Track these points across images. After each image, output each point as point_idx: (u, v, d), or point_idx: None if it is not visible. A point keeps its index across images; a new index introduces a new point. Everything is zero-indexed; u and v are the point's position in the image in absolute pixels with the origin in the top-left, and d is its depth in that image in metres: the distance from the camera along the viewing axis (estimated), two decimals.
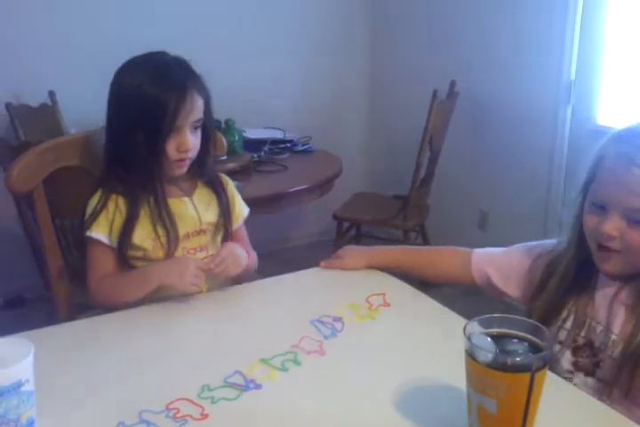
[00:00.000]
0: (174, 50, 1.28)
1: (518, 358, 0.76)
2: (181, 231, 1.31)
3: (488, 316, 0.82)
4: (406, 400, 0.92)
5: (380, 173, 3.52)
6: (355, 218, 2.90)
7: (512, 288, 1.23)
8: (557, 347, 1.10)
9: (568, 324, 1.09)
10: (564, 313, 1.10)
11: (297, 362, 1.03)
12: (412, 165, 2.73)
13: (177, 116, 1.20)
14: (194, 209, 1.33)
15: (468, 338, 0.78)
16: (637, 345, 1.00)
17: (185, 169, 1.28)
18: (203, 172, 1.35)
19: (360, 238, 2.98)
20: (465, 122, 2.87)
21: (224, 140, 1.72)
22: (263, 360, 1.03)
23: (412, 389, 0.95)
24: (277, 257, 1.37)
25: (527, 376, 0.74)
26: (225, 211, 1.38)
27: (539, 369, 0.75)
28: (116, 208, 1.27)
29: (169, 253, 1.29)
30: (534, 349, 0.78)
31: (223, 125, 2.55)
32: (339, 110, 3.45)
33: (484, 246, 1.32)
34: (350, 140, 3.48)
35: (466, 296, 1.97)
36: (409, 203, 2.68)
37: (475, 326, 0.81)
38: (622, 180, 0.98)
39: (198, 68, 1.28)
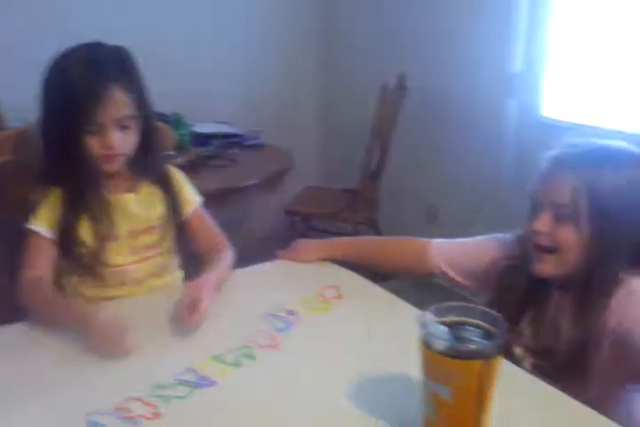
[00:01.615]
0: (123, 43, 1.24)
1: (471, 346, 0.76)
2: (126, 229, 1.27)
3: (442, 304, 0.82)
4: (362, 391, 0.92)
5: (330, 167, 3.52)
6: (305, 212, 2.89)
7: (469, 280, 1.25)
8: (519, 350, 1.12)
9: (527, 331, 1.12)
10: (525, 320, 1.12)
11: (251, 357, 1.02)
12: (361, 159, 2.74)
13: (95, 111, 1.15)
14: (139, 206, 1.29)
15: (423, 326, 0.78)
16: (580, 352, 1.03)
17: (116, 166, 1.24)
18: (146, 168, 1.30)
19: (311, 232, 2.97)
20: (414, 115, 2.89)
21: (172, 135, 1.69)
22: (216, 356, 1.01)
23: (367, 379, 0.95)
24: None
25: (481, 363, 0.74)
26: (173, 205, 1.34)
27: (492, 356, 0.75)
28: (57, 202, 1.22)
29: (104, 251, 1.25)
30: (488, 336, 0.78)
31: (171, 120, 2.51)
32: (289, 104, 3.43)
33: (433, 238, 1.32)
34: (300, 134, 3.46)
35: (418, 288, 1.99)
36: (358, 196, 2.68)
37: (429, 315, 0.81)
38: (552, 178, 1.05)
39: (146, 62, 1.24)
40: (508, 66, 2.53)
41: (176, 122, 2.53)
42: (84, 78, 1.16)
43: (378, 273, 1.42)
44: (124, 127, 1.20)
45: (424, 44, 2.86)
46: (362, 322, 1.12)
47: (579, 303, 1.05)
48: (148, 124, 1.25)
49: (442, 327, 0.78)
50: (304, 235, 2.89)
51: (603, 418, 0.88)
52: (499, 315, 0.79)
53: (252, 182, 2.38)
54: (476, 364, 0.74)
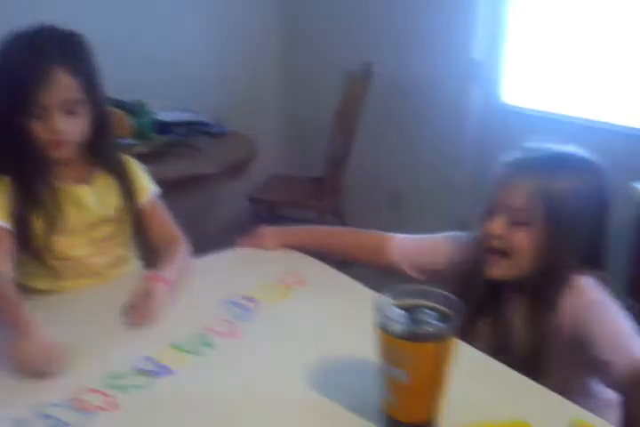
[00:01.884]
0: (88, 31, 1.21)
1: (427, 328, 0.76)
2: (81, 222, 1.24)
3: (399, 287, 0.82)
4: (322, 377, 0.92)
5: (295, 155, 3.51)
6: (270, 200, 2.87)
7: (426, 277, 1.25)
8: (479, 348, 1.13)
9: (485, 331, 1.13)
10: (481, 321, 1.14)
11: (210, 345, 1.01)
12: (326, 146, 2.73)
13: (37, 93, 1.12)
14: (94, 198, 1.26)
15: (379, 310, 0.78)
16: (535, 352, 1.05)
17: (65, 152, 1.20)
18: (98, 156, 1.27)
19: (276, 221, 2.95)
20: (378, 101, 2.88)
21: (128, 122, 1.65)
22: (174, 345, 1.00)
23: (326, 365, 0.95)
24: (192, 242, 1.32)
25: (436, 345, 0.75)
26: (128, 194, 1.31)
27: (447, 338, 0.75)
28: (8, 191, 1.19)
29: (59, 244, 1.22)
30: (444, 318, 0.78)
31: (131, 107, 2.46)
32: (253, 92, 3.39)
33: (398, 226, 1.33)
34: (265, 121, 3.43)
35: (382, 275, 1.99)
36: (324, 184, 2.67)
37: (386, 298, 0.81)
38: (508, 183, 1.07)
39: (107, 49, 1.21)
40: (470, 53, 2.54)
41: (137, 109, 2.49)
42: (26, 60, 1.12)
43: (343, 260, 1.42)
44: (70, 112, 1.16)
45: (387, 30, 2.85)
46: (322, 308, 1.12)
47: (531, 305, 1.08)
48: (100, 110, 1.22)
49: (398, 311, 0.78)
50: (269, 223, 2.87)
51: (558, 397, 0.90)
52: (455, 297, 0.79)
53: (215, 170, 2.35)
54: (431, 346, 0.75)
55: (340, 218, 2.87)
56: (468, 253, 1.16)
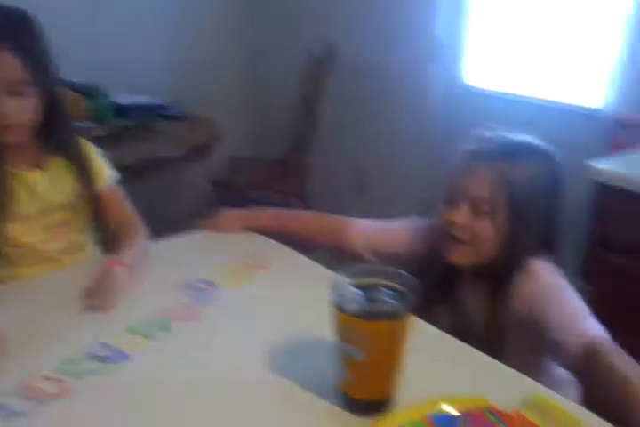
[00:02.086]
0: (40, 11, 1.16)
1: (382, 306, 0.76)
2: (35, 208, 1.21)
3: (355, 267, 0.82)
4: (282, 359, 0.91)
5: (259, 137, 3.47)
6: (234, 183, 2.84)
7: (386, 262, 1.24)
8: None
9: (443, 316, 1.14)
10: (440, 306, 1.15)
11: (167, 329, 0.99)
12: (290, 129, 2.71)
13: None
14: (47, 184, 1.22)
15: (334, 289, 0.77)
16: (494, 337, 1.07)
17: (12, 136, 1.16)
18: (52, 140, 1.23)
19: (240, 204, 2.93)
20: (341, 83, 2.87)
21: (83, 104, 1.61)
22: (130, 329, 0.98)
23: (285, 347, 0.94)
24: (154, 227, 1.30)
25: (391, 323, 0.75)
26: (84, 179, 1.28)
27: (403, 316, 0.75)
28: None
29: (12, 231, 1.19)
30: (400, 297, 0.78)
31: (87, 90, 2.40)
32: (214, 74, 3.34)
33: (363, 207, 1.33)
34: (227, 104, 3.39)
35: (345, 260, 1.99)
36: (289, 166, 2.66)
37: (342, 278, 0.80)
38: (470, 172, 1.07)
39: (62, 30, 1.16)
40: (432, 33, 2.53)
41: (93, 92, 2.43)
42: None
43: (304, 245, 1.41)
44: (16, 93, 1.12)
45: (350, 11, 2.83)
46: (283, 291, 1.11)
47: (489, 289, 1.09)
48: (50, 91, 1.18)
49: (353, 289, 0.78)
50: (233, 206, 2.85)
51: (516, 373, 0.91)
52: (409, 275, 0.79)
53: (176, 154, 2.32)
54: (386, 324, 0.75)
55: (304, 200, 2.86)
56: (426, 239, 1.17)
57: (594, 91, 2.15)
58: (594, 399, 0.91)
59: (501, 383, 0.88)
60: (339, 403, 0.82)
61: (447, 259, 1.11)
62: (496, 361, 0.93)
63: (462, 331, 1.11)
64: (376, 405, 0.80)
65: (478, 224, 1.06)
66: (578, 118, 2.13)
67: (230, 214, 1.37)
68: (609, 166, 1.67)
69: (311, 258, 1.23)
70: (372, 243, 1.26)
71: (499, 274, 1.07)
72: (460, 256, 1.10)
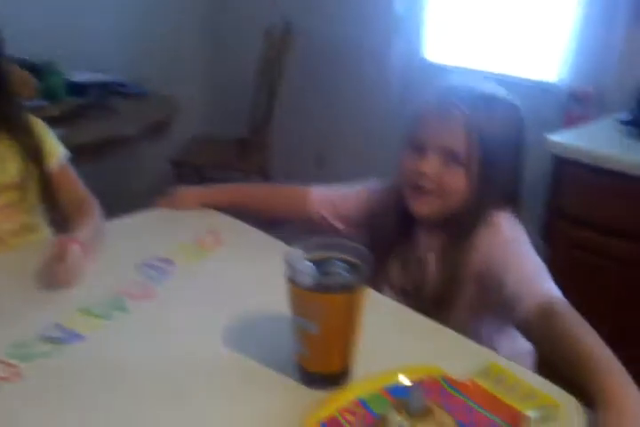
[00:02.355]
0: None
1: (335, 279, 0.76)
2: None
3: (309, 241, 0.81)
4: (238, 335, 0.91)
5: (219, 116, 3.42)
6: (194, 162, 2.80)
7: (347, 226, 1.24)
8: (389, 291, 1.14)
9: (397, 270, 1.13)
10: (392, 262, 1.13)
11: (123, 309, 0.97)
12: (250, 107, 2.67)
13: None
14: None
15: (288, 263, 0.77)
16: (444, 289, 1.06)
17: None
18: None
19: (201, 183, 2.89)
20: (300, 60, 2.83)
21: (33, 82, 1.56)
22: (84, 309, 0.96)
23: (242, 323, 0.94)
24: (114, 208, 1.27)
25: (344, 296, 0.74)
26: (34, 159, 1.24)
27: (357, 288, 0.75)
28: None
29: None
30: (354, 269, 0.78)
31: (40, 67, 2.33)
32: (172, 51, 3.26)
33: (326, 185, 1.31)
34: (186, 82, 3.32)
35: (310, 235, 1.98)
36: (249, 144, 2.63)
37: (296, 252, 0.80)
38: (441, 122, 1.02)
39: (13, 6, 1.10)
40: (391, 8, 2.51)
41: (46, 69, 2.35)
42: None
43: (268, 221, 1.40)
44: None
45: None
46: (239, 266, 1.10)
47: (447, 242, 1.07)
48: None
49: (307, 263, 0.77)
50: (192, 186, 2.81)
51: (471, 342, 0.92)
52: (364, 248, 0.79)
53: (133, 132, 2.27)
54: (339, 297, 0.74)
55: (266, 179, 2.84)
56: (384, 195, 1.15)
57: (549, 65, 2.17)
58: (546, 359, 0.90)
59: (456, 353, 0.89)
60: (296, 377, 0.82)
61: (411, 210, 1.07)
62: (451, 331, 0.94)
63: (414, 288, 1.11)
64: (332, 378, 0.80)
65: (447, 175, 1.03)
66: (534, 92, 2.14)
67: (186, 191, 1.34)
68: (565, 139, 1.69)
69: (278, 236, 1.22)
70: (333, 205, 1.24)
71: (460, 226, 1.05)
72: (425, 206, 1.06)
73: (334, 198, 1.25)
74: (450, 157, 1.02)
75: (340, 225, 1.24)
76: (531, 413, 0.74)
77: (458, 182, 1.03)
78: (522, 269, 0.97)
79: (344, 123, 2.81)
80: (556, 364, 0.85)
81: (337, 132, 2.86)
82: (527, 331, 0.95)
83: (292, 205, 1.29)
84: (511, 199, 1.08)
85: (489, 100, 1.03)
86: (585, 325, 0.87)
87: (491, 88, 1.06)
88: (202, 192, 1.35)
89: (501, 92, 1.07)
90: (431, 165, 1.03)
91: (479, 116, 1.01)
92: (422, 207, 1.06)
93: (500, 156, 1.03)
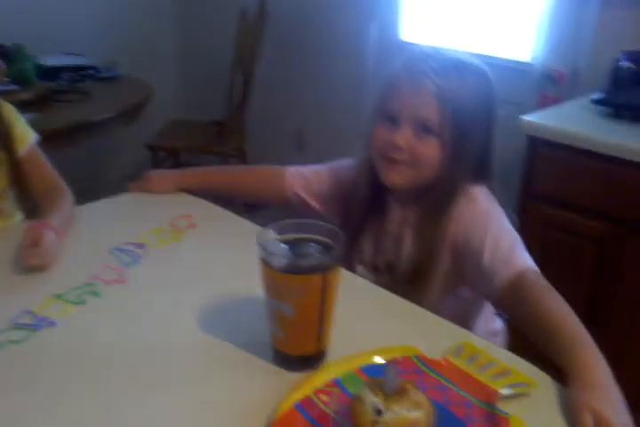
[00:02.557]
0: None
1: (308, 260, 0.75)
2: None
3: (282, 222, 0.81)
4: (212, 317, 0.90)
5: (195, 99, 3.38)
6: (170, 146, 2.77)
7: (323, 205, 1.23)
8: (361, 268, 1.14)
9: (370, 248, 1.12)
10: (365, 238, 1.12)
11: (95, 293, 0.96)
12: (226, 89, 2.64)
13: None
14: None
15: (262, 245, 0.76)
16: (419, 263, 1.05)
17: None
18: None
19: (177, 167, 2.87)
20: (276, 41, 2.80)
21: (3, 66, 1.53)
22: (56, 295, 0.95)
23: (216, 305, 0.93)
24: (91, 193, 1.25)
25: (319, 277, 0.74)
26: (3, 143, 1.21)
27: (330, 268, 0.75)
28: None
29: None
30: (327, 250, 0.77)
31: (12, 51, 2.28)
32: (146, 34, 3.21)
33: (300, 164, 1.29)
34: (161, 65, 3.28)
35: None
36: (226, 127, 2.60)
37: (269, 233, 0.79)
38: (414, 92, 1.00)
39: None
40: None
41: (16, 53, 2.31)
42: None
43: (247, 205, 1.39)
44: None
45: None
46: (213, 250, 1.09)
47: (423, 215, 1.06)
48: None
49: (280, 245, 0.77)
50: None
51: (445, 321, 0.92)
52: (336, 228, 0.78)
53: (107, 116, 2.25)
54: (314, 278, 0.74)
55: (244, 162, 2.82)
56: (357, 168, 1.13)
57: (525, 46, 2.17)
58: (520, 332, 0.90)
59: (431, 333, 0.89)
60: (271, 360, 0.81)
61: (384, 181, 1.06)
62: (426, 311, 0.94)
63: (387, 264, 1.10)
64: (308, 360, 0.80)
65: (421, 145, 1.01)
66: (510, 73, 2.15)
67: (158, 175, 1.32)
68: (539, 119, 1.69)
69: (253, 220, 1.21)
70: (308, 185, 1.22)
71: (435, 197, 1.04)
72: (398, 177, 1.04)
73: (309, 177, 1.24)
74: (423, 127, 1.00)
75: (315, 204, 1.23)
76: (504, 390, 0.75)
77: (431, 153, 1.01)
78: (498, 244, 0.97)
79: (321, 105, 2.79)
80: (529, 336, 0.86)
81: (315, 114, 2.84)
82: (500, 303, 0.96)
83: (267, 185, 1.27)
84: (483, 172, 1.07)
85: (460, 68, 1.01)
86: (556, 296, 0.87)
87: (461, 55, 1.04)
88: (175, 175, 1.33)
89: (471, 58, 1.04)
90: (404, 137, 1.01)
91: (451, 85, 0.99)
92: (395, 178, 1.05)
93: (473, 124, 1.01)
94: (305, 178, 1.24)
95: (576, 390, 0.74)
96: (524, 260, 0.95)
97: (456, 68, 1.01)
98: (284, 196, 1.25)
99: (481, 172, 1.07)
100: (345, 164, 1.21)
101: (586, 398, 0.72)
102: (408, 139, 1.01)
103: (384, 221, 1.12)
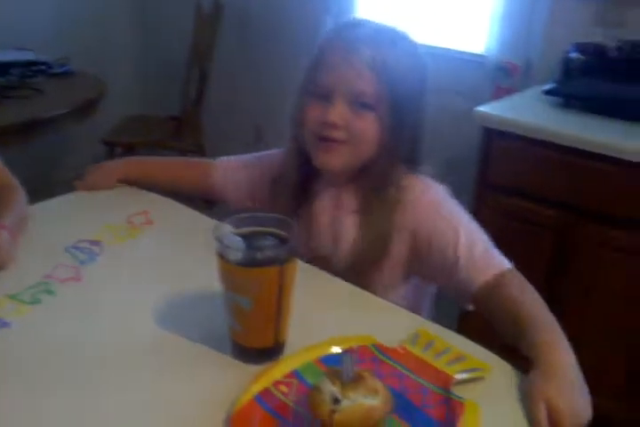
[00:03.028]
0: None
1: (264, 253, 0.75)
2: None
3: (237, 215, 0.81)
4: (170, 314, 0.90)
5: (152, 94, 3.34)
6: (126, 142, 2.73)
7: (249, 202, 1.18)
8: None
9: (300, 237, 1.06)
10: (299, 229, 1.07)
11: (50, 292, 0.95)
12: (183, 85, 2.61)
13: None
14: None
15: (218, 239, 0.76)
16: (366, 250, 1.01)
17: None
18: None
19: None
20: (233, 36, 2.78)
21: None
22: (10, 296, 0.93)
23: (174, 302, 0.92)
24: (45, 191, 1.22)
25: (276, 269, 0.74)
26: None
27: (286, 261, 0.75)
28: None
29: None
30: (283, 243, 0.78)
31: None
32: (101, 29, 3.15)
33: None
34: (118, 60, 3.22)
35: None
36: (183, 122, 2.58)
37: (225, 227, 0.79)
38: (347, 63, 0.94)
39: None
40: None
41: None
42: None
43: (207, 201, 1.37)
44: None
45: None
46: (170, 244, 1.08)
47: (365, 198, 1.01)
48: None
49: (236, 238, 0.77)
50: None
51: (401, 310, 0.94)
52: (290, 219, 0.79)
53: (60, 112, 2.20)
54: (269, 270, 0.74)
55: (202, 157, 2.80)
56: (285, 154, 1.08)
57: (478, 39, 2.20)
58: (498, 334, 0.88)
59: (388, 321, 0.90)
60: (231, 353, 0.81)
61: (319, 164, 1.00)
62: (382, 300, 0.95)
63: (324, 255, 1.05)
64: (267, 352, 0.81)
65: (357, 121, 0.95)
66: (465, 65, 2.18)
67: (98, 168, 1.28)
68: (491, 110, 1.72)
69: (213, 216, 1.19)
70: (237, 178, 1.19)
71: (375, 178, 0.99)
72: (335, 159, 0.98)
73: (239, 169, 1.20)
74: (358, 102, 0.95)
75: (240, 198, 1.19)
76: (459, 375, 0.76)
77: (369, 128, 0.96)
78: (472, 251, 0.94)
79: (280, 98, 2.77)
80: (499, 332, 0.86)
81: (272, 109, 2.83)
82: (481, 309, 0.94)
83: (196, 179, 1.24)
84: (415, 154, 1.03)
85: (392, 36, 0.97)
86: (530, 290, 0.88)
87: (392, 25, 1.00)
88: (111, 167, 1.30)
89: (402, 28, 1.00)
90: (339, 113, 0.94)
91: (385, 54, 0.94)
92: (332, 160, 0.98)
93: (409, 96, 0.96)
94: (233, 170, 1.20)
95: (534, 376, 0.75)
96: (498, 262, 0.94)
97: (388, 36, 0.97)
98: (213, 190, 1.21)
99: (414, 154, 1.03)
100: (275, 152, 1.17)
101: (542, 386, 0.72)
102: (343, 115, 0.95)
103: (314, 208, 1.07)
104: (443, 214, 0.99)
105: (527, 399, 0.73)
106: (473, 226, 0.99)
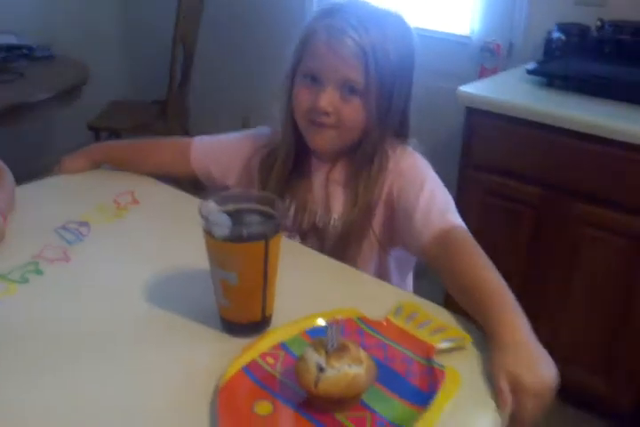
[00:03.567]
0: None
1: (249, 229, 0.77)
2: None
3: (223, 193, 0.82)
4: (158, 291, 0.91)
5: (137, 79, 3.32)
6: (112, 126, 2.72)
7: (232, 180, 1.19)
8: (286, 234, 1.10)
9: (291, 211, 1.09)
10: (287, 202, 1.08)
11: (38, 272, 0.96)
12: (168, 70, 2.60)
13: None
14: None
15: (204, 216, 0.77)
16: (353, 220, 1.03)
17: None
18: None
19: None
20: (217, 20, 2.77)
21: None
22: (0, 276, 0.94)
23: (162, 279, 0.94)
24: (33, 177, 1.23)
25: (260, 244, 0.76)
26: None
27: (271, 236, 0.77)
28: None
29: None
30: (267, 218, 0.79)
31: None
32: (85, 12, 3.12)
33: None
34: (103, 44, 3.19)
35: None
36: (168, 107, 2.57)
37: (211, 205, 0.80)
38: (337, 50, 0.95)
39: None
40: None
41: None
42: None
43: (197, 185, 1.38)
44: None
45: None
46: (157, 225, 1.10)
47: (352, 170, 1.04)
48: None
49: (222, 215, 0.78)
50: None
51: (383, 282, 0.96)
52: (274, 196, 0.80)
53: (44, 96, 2.19)
54: (257, 246, 0.75)
55: None
56: (283, 128, 1.08)
57: (462, 19, 2.21)
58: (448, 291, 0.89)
59: (372, 295, 0.92)
60: (219, 328, 0.83)
61: (310, 145, 1.04)
62: (367, 275, 0.97)
63: (313, 227, 1.07)
64: (254, 326, 0.82)
65: (347, 107, 0.98)
66: (450, 46, 2.19)
67: (69, 157, 1.28)
68: (475, 90, 1.74)
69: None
70: (217, 157, 1.19)
71: (363, 153, 1.02)
72: (324, 141, 1.02)
73: (217, 148, 1.20)
74: (347, 88, 0.97)
75: (226, 179, 1.19)
76: (440, 344, 0.78)
77: (356, 114, 0.99)
78: (433, 200, 0.97)
79: (266, 83, 2.78)
80: (452, 294, 0.87)
81: (259, 94, 2.81)
82: (426, 257, 0.95)
83: (173, 158, 1.23)
84: (404, 127, 1.06)
85: (379, 19, 0.98)
86: (481, 253, 0.88)
87: (383, 7, 1.00)
88: (84, 152, 1.29)
89: (395, 9, 1.01)
90: (330, 100, 0.97)
91: (372, 40, 0.94)
92: (322, 142, 1.02)
93: (397, 80, 0.98)
94: (212, 150, 1.20)
95: (492, 351, 0.75)
96: (455, 218, 0.96)
97: (375, 20, 0.97)
98: (191, 170, 1.21)
99: (403, 127, 1.05)
100: (262, 130, 1.18)
101: (501, 360, 0.72)
102: (333, 102, 0.97)
103: (308, 182, 1.09)
104: (415, 174, 1.02)
105: (492, 377, 0.73)
106: (439, 186, 1.01)
